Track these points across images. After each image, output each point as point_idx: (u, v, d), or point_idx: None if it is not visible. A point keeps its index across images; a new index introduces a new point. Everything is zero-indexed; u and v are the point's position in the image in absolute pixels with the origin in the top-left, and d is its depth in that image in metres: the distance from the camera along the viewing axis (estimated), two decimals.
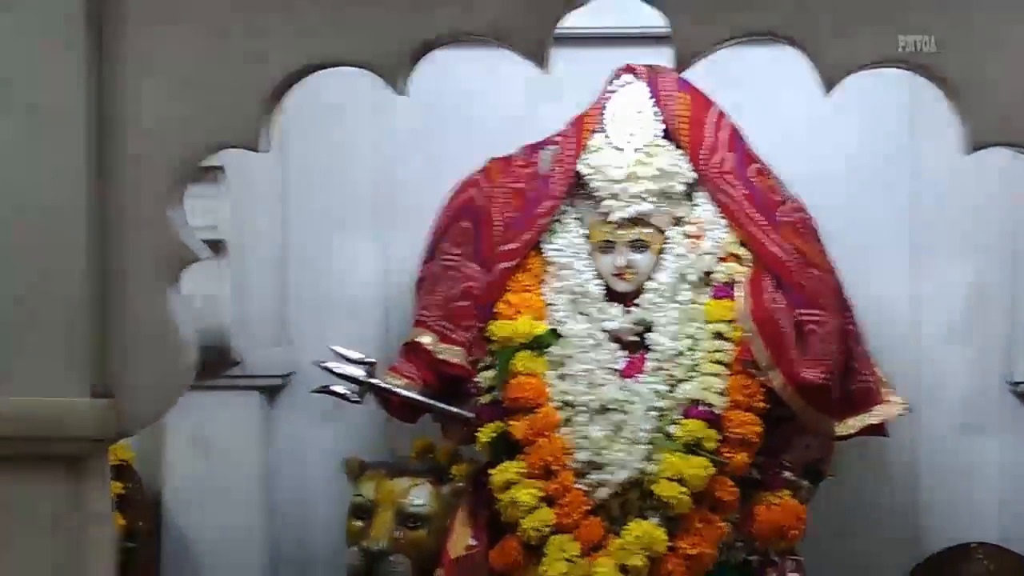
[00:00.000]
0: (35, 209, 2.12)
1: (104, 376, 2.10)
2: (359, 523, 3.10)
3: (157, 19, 2.13)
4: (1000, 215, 3.33)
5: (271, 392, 3.56)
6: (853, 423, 3.12)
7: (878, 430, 2.97)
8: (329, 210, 3.57)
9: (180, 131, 2.14)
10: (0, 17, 2.04)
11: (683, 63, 2.13)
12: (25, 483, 2.11)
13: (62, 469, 2.11)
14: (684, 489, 2.94)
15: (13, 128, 2.08)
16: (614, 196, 2.99)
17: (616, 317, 3.04)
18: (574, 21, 2.14)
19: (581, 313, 3.09)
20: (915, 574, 3.21)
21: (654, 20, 2.10)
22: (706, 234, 3.02)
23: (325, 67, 2.17)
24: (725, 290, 3.03)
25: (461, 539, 3.13)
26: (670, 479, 2.97)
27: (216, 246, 3.17)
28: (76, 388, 2.08)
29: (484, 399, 3.11)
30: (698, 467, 2.95)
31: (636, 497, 3.03)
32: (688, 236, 3.02)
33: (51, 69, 2.10)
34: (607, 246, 3.04)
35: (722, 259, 3.06)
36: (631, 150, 3.02)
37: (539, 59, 2.13)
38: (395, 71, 2.15)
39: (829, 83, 2.01)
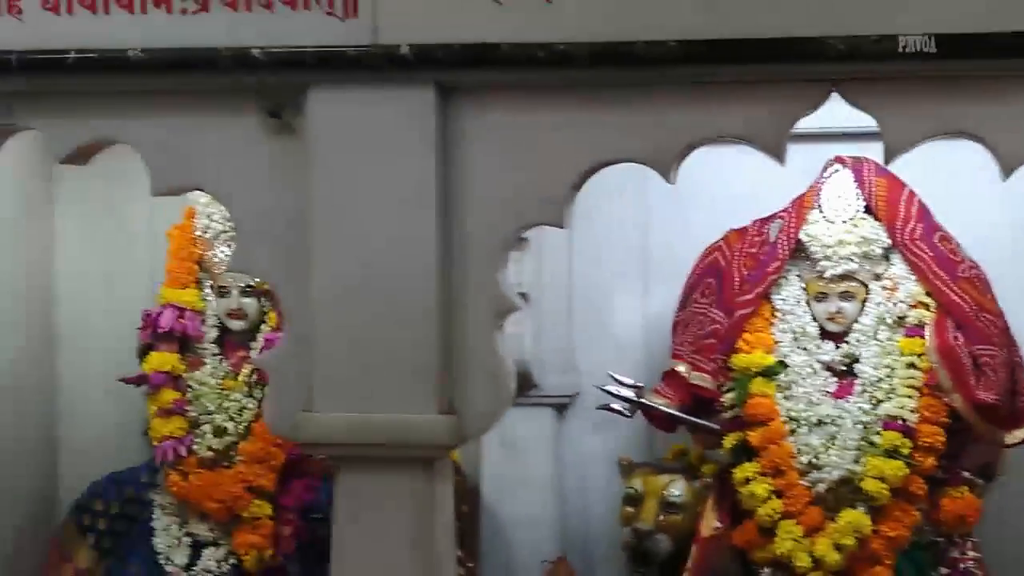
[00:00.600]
0: (394, 272, 2.55)
1: (449, 398, 2.54)
2: (631, 509, 3.60)
3: (490, 130, 2.60)
4: None
5: (560, 408, 4.03)
6: (1018, 433, 3.48)
7: None
8: (604, 267, 4.03)
9: (504, 212, 2.56)
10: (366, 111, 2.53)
11: (889, 157, 2.54)
12: (392, 478, 2.56)
13: (420, 468, 2.55)
14: (884, 485, 3.39)
15: (381, 205, 2.56)
16: (827, 258, 3.47)
17: (829, 352, 3.50)
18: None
19: (802, 348, 3.54)
20: None
21: (861, 119, 2.50)
22: (900, 287, 3.44)
23: (619, 162, 2.57)
24: (916, 330, 3.45)
25: (709, 522, 3.59)
26: (874, 478, 3.40)
27: (521, 296, 3.43)
28: (428, 407, 2.52)
29: (727, 415, 3.50)
30: (896, 468, 3.38)
31: (847, 491, 3.45)
32: (886, 288, 3.46)
33: (408, 156, 2.56)
34: (821, 296, 3.50)
35: (913, 306, 3.48)
36: (840, 222, 3.49)
37: (778, 155, 2.55)
38: (668, 165, 2.55)
39: (1008, 170, 2.38)
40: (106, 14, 2.65)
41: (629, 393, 3.57)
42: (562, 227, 2.62)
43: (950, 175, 3.54)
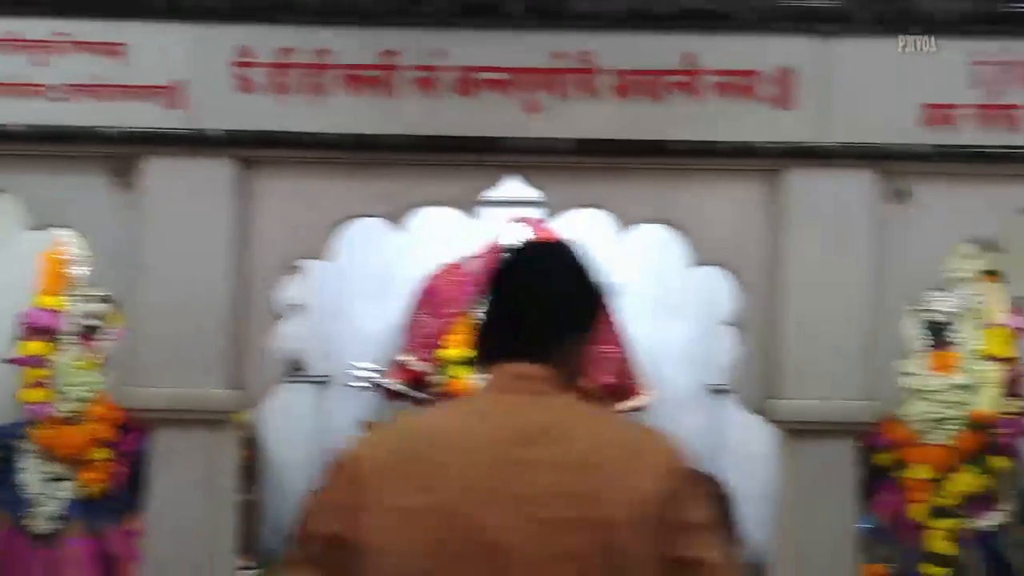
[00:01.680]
0: (201, 289, 2.79)
1: (236, 378, 2.84)
2: None
3: (273, 191, 2.92)
4: None
5: (321, 384, 4.21)
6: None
7: None
8: (355, 287, 4.22)
9: (281, 248, 2.84)
10: None
11: (550, 217, 3.00)
12: (192, 434, 2.82)
13: (212, 428, 2.83)
14: None
15: (193, 241, 2.79)
16: None
17: None
18: None
19: None
20: None
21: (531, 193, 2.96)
22: None
23: (365, 216, 2.89)
24: None
25: None
26: None
27: (294, 306, 3.39)
28: (220, 384, 2.82)
29: (436, 390, 3.81)
30: None
31: None
32: None
33: (215, 208, 2.86)
34: None
35: None
36: None
37: (471, 214, 3.00)
38: (398, 219, 2.87)
39: (624, 228, 2.80)
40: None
41: (371, 375, 3.92)
42: (322, 260, 2.95)
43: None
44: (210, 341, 2.83)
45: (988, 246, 3.14)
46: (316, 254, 2.92)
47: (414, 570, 1.40)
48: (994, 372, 3.74)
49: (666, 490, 1.43)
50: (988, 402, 3.74)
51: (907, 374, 3.62)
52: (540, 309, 1.56)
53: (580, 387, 1.64)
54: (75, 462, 3.80)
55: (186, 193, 2.82)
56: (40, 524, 3.77)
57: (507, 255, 1.80)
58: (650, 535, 1.40)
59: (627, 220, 2.89)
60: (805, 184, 2.85)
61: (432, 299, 3.99)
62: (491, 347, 1.57)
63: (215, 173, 2.81)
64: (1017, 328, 3.80)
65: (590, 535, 1.39)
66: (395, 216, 2.93)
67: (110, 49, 2.81)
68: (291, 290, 3.35)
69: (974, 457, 3.69)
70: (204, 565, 2.82)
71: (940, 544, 3.63)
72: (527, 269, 1.64)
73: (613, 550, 1.38)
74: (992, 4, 2.87)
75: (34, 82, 2.80)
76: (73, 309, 3.87)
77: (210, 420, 2.84)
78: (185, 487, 2.83)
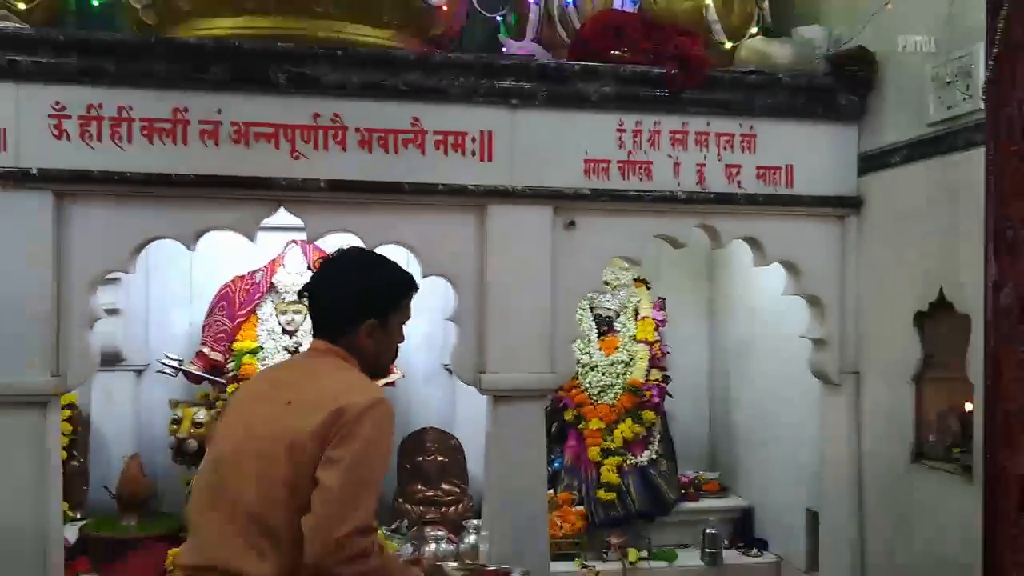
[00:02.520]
0: (32, 296, 2.93)
1: (57, 366, 3.05)
2: (175, 426, 3.87)
3: (86, 217, 3.08)
4: None
5: (138, 372, 4.29)
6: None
7: None
8: (166, 292, 4.34)
9: (93, 262, 3.06)
10: None
11: (311, 239, 3.22)
12: (20, 413, 3.01)
13: (37, 408, 3.04)
14: None
15: (21, 258, 2.96)
16: (287, 291, 4.13)
17: (286, 342, 3.95)
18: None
19: (272, 340, 4.03)
20: None
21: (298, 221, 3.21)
22: None
23: (160, 238, 3.30)
24: None
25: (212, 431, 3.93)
26: None
27: (111, 310, 3.87)
28: (45, 372, 3.02)
29: (230, 375, 3.95)
30: None
31: None
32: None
33: (38, 231, 3.00)
34: (283, 311, 4.08)
35: None
36: (294, 273, 4.15)
37: (251, 238, 3.22)
38: (189, 240, 3.14)
39: (371, 246, 2.40)
40: None
41: (175, 364, 4.11)
42: (128, 272, 3.18)
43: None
44: (35, 337, 3.02)
45: (632, 261, 3.70)
46: (124, 268, 3.16)
47: (207, 466, 1.95)
48: (644, 352, 4.35)
49: (332, 425, 1.77)
50: (640, 373, 4.33)
51: (583, 353, 4.25)
52: (327, 303, 1.98)
53: (345, 355, 1.91)
54: None
55: (11, 218, 3.00)
56: None
57: (321, 261, 2.11)
58: (316, 453, 1.78)
59: (371, 242, 3.21)
60: (502, 216, 3.33)
61: (226, 303, 4.23)
62: (313, 329, 2.03)
63: (36, 203, 3.01)
64: (659, 320, 4.45)
65: (272, 444, 1.81)
66: (187, 239, 3.20)
67: None
68: (107, 297, 3.59)
69: (631, 413, 4.26)
70: (32, 519, 3.02)
71: (610, 475, 4.20)
72: (324, 273, 2.04)
73: (289, 459, 1.78)
74: (635, 88, 3.39)
75: None
76: None
77: (35, 402, 3.03)
78: (14, 456, 3.01)
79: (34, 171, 3.00)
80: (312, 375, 1.94)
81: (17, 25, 3.15)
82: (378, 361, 2.04)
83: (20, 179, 3.01)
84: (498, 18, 3.96)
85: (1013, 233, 2.23)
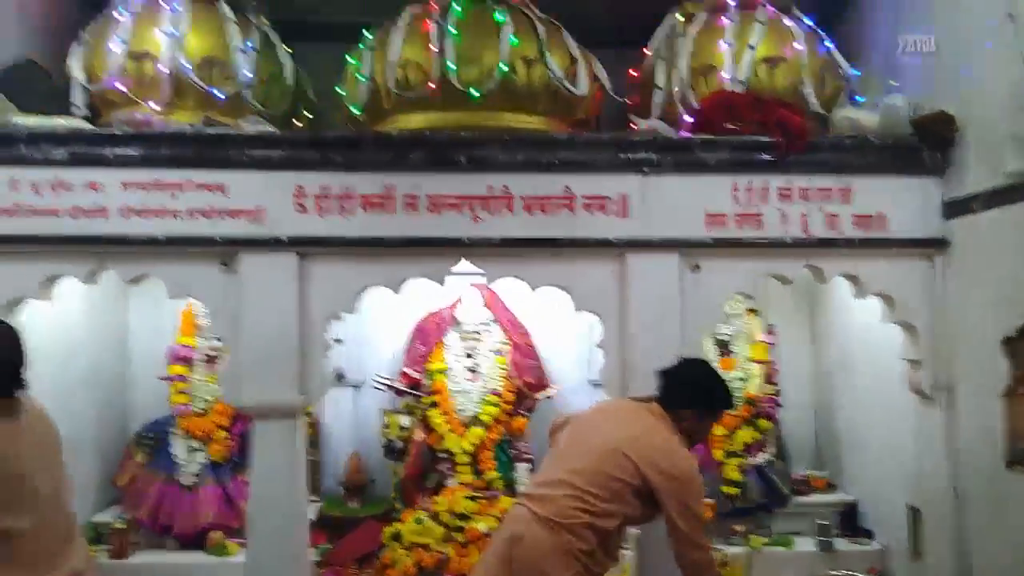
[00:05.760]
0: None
1: (302, 386, 3.08)
2: (386, 430, 3.82)
3: (321, 272, 3.06)
4: None
5: (357, 388, 4.22)
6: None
7: None
8: (378, 326, 4.26)
9: (327, 306, 3.07)
10: None
11: (490, 282, 3.15)
12: (277, 423, 3.04)
13: (289, 418, 3.07)
14: (488, 416, 3.89)
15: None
16: (467, 322, 3.98)
17: (468, 363, 3.90)
18: None
19: (456, 361, 3.95)
20: None
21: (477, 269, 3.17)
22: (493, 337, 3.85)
23: (379, 286, 3.17)
24: (501, 355, 3.89)
25: (419, 434, 3.85)
26: (484, 413, 3.90)
27: (337, 340, 3.76)
28: (294, 392, 3.06)
29: (426, 389, 3.88)
30: (490, 410, 3.89)
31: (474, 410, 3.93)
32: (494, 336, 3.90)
33: (279, 288, 3.08)
34: (466, 338, 3.98)
35: (501, 345, 3.92)
36: (473, 310, 4.02)
37: (441, 282, 3.19)
38: (397, 286, 3.29)
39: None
40: None
41: (386, 381, 4.13)
42: (352, 312, 3.20)
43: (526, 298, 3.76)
44: (287, 364, 3.08)
45: (747, 296, 3.56)
46: (349, 309, 3.22)
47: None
48: (758, 370, 4.13)
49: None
50: (755, 388, 4.11)
51: None
52: (675, 383, 2.52)
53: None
54: (206, 440, 3.88)
55: (268, 273, 3.08)
56: (186, 479, 3.82)
57: (682, 360, 2.53)
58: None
59: (536, 284, 3.24)
60: (638, 262, 3.25)
61: (422, 333, 4.22)
62: (660, 399, 2.52)
63: (285, 262, 3.07)
64: (770, 343, 4.21)
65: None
66: (394, 285, 3.24)
67: (217, 187, 3.07)
68: (334, 330, 3.50)
69: (749, 420, 4.05)
70: (287, 501, 3.11)
71: (733, 473, 3.98)
72: (682, 365, 2.56)
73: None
74: (746, 154, 3.26)
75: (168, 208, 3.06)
76: (201, 345, 3.94)
77: (288, 413, 3.10)
78: (275, 454, 3.08)
79: (284, 238, 3.11)
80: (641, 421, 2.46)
81: (269, 128, 3.26)
82: (690, 439, 2.48)
83: (273, 245, 3.11)
84: (627, 101, 3.93)
85: None
